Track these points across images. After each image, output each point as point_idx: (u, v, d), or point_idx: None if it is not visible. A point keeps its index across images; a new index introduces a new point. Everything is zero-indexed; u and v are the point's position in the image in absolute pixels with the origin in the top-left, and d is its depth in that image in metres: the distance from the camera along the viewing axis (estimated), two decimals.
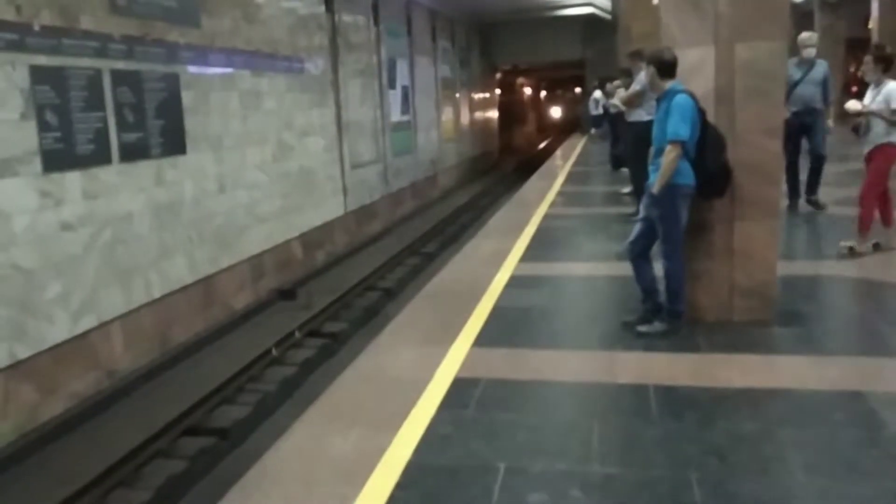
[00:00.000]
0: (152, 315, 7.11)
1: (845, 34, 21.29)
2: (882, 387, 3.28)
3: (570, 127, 31.76)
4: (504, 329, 4.39)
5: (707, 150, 3.88)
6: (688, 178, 3.90)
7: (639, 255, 4.17)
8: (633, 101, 6.79)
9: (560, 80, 41.11)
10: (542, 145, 32.29)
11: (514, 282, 5.37)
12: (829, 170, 11.07)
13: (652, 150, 4.05)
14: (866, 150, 5.47)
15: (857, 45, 21.25)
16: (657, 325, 4.08)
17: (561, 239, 7.03)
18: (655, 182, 3.90)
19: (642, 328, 4.10)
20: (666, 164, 3.83)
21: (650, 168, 4.06)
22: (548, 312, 4.72)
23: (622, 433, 3.01)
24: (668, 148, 3.81)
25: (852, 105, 5.42)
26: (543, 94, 47.08)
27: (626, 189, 9.15)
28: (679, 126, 3.78)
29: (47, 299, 5.84)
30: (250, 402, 6.03)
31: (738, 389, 3.34)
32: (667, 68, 3.91)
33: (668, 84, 3.92)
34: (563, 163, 14.70)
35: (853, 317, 4.30)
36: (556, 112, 45.07)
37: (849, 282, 4.98)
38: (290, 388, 6.46)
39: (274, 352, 7.00)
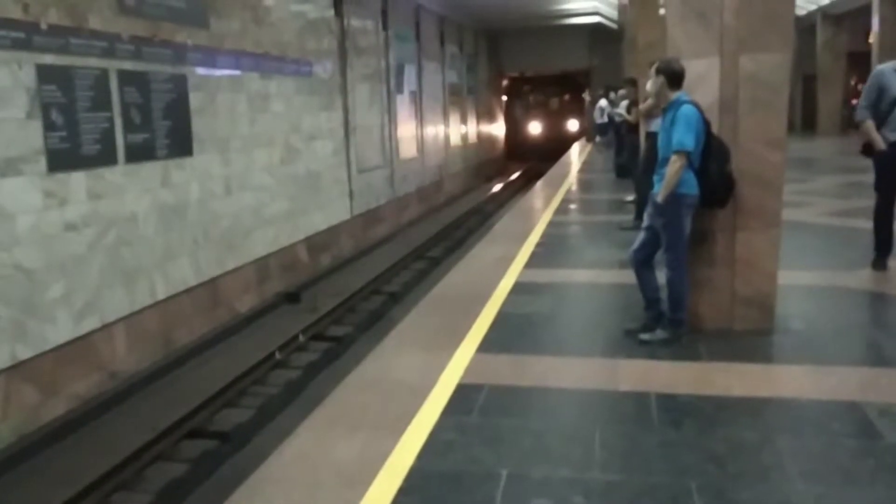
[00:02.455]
0: (156, 317, 7.14)
1: (847, 48, 21.38)
2: (879, 397, 3.31)
3: (560, 150, 21.22)
4: (508, 335, 4.42)
5: (711, 160, 3.92)
6: (692, 188, 3.94)
7: (642, 263, 4.20)
8: (653, 112, 6.77)
9: (547, 81, 29.17)
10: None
11: (519, 288, 5.40)
12: (830, 181, 11.17)
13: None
14: None
15: (858, 59, 21.37)
16: (659, 334, 4.11)
17: (565, 246, 7.06)
18: (660, 191, 3.94)
19: (644, 336, 4.13)
20: (670, 174, 3.87)
21: (655, 177, 4.10)
22: (551, 319, 4.74)
23: (624, 440, 3.03)
24: (673, 158, 3.85)
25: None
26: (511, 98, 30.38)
27: (630, 197, 9.17)
28: (684, 136, 3.82)
29: (50, 300, 5.85)
30: (253, 405, 6.05)
31: (737, 398, 3.37)
32: (676, 78, 3.96)
33: (675, 94, 3.97)
34: (568, 170, 14.73)
35: (851, 327, 4.32)
36: (536, 127, 29.04)
37: (848, 292, 5.01)
38: (293, 392, 6.49)
39: (278, 355, 7.02)
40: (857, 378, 3.56)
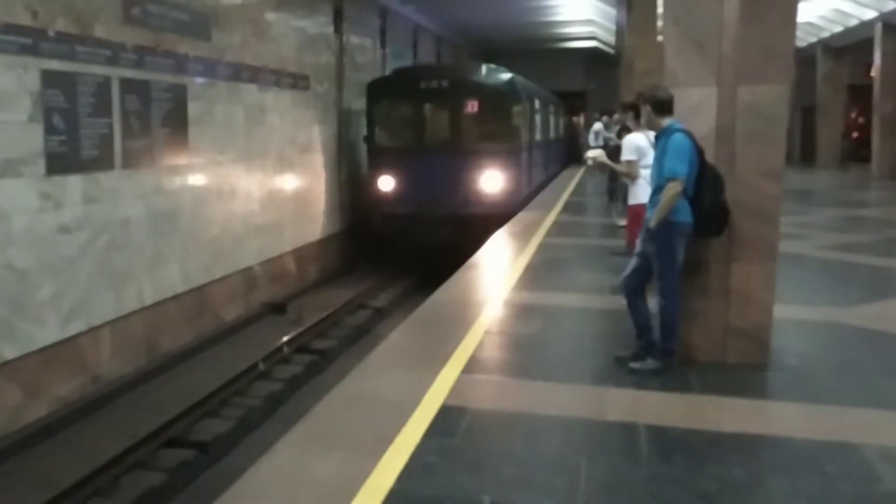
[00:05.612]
0: (142, 322, 7.06)
1: (847, 81, 21.58)
2: (877, 439, 3.22)
3: (457, 250, 8.61)
4: (495, 357, 4.35)
5: (704, 189, 3.87)
6: (685, 216, 3.89)
7: (633, 290, 4.14)
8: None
9: (430, 72, 12.14)
10: None
11: (507, 310, 5.34)
12: (829, 214, 11.18)
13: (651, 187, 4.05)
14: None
15: (859, 92, 21.58)
16: (650, 363, 4.04)
17: (556, 269, 7.00)
18: (653, 217, 3.89)
19: (634, 365, 4.06)
20: (664, 200, 3.82)
21: (647, 205, 4.06)
22: (539, 343, 4.67)
23: (610, 472, 2.95)
24: (669, 185, 3.81)
25: (591, 153, 5.35)
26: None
27: (623, 222, 9.14)
28: (676, 164, 3.79)
29: (39, 301, 5.80)
30: (234, 416, 5.96)
31: (729, 434, 3.29)
32: (662, 106, 3.95)
33: (666, 121, 3.95)
34: (560, 193, 14.73)
35: (849, 365, 4.24)
36: (387, 183, 11.10)
37: (845, 329, 4.95)
38: (275, 405, 6.39)
39: (261, 366, 6.94)
40: (855, 419, 3.47)
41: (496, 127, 11.29)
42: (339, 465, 2.95)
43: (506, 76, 11.45)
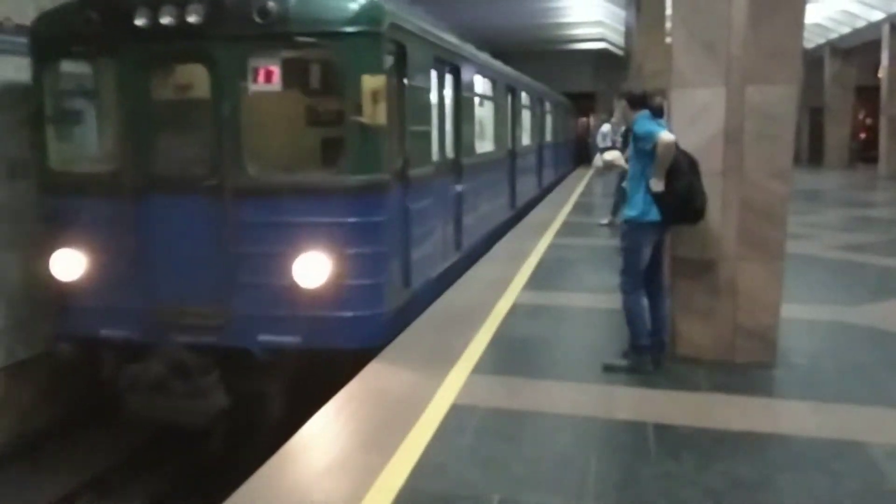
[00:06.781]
0: None
1: (855, 82, 21.53)
2: (883, 438, 3.23)
3: None
4: (504, 357, 4.37)
5: (677, 174, 3.85)
6: (653, 215, 3.93)
7: (650, 290, 4.18)
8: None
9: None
10: None
11: (516, 310, 5.36)
12: (837, 214, 11.15)
13: (627, 186, 4.14)
14: None
15: (867, 93, 21.50)
16: (622, 361, 4.09)
17: (564, 269, 7.02)
18: (653, 178, 3.88)
19: (608, 361, 4.10)
20: (661, 153, 3.79)
21: (626, 204, 4.13)
22: (549, 342, 4.70)
23: (619, 470, 2.97)
24: (659, 140, 3.79)
25: (608, 155, 5.16)
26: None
27: (605, 220, 9.19)
28: (648, 128, 3.85)
29: None
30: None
31: (737, 432, 3.31)
32: (636, 101, 4.04)
33: (637, 115, 4.02)
34: (568, 194, 14.74)
35: (856, 365, 4.25)
36: (67, 263, 4.42)
37: (853, 329, 4.95)
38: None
39: None
40: (862, 417, 3.49)
41: (335, 130, 4.75)
42: (350, 464, 2.98)
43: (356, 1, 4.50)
